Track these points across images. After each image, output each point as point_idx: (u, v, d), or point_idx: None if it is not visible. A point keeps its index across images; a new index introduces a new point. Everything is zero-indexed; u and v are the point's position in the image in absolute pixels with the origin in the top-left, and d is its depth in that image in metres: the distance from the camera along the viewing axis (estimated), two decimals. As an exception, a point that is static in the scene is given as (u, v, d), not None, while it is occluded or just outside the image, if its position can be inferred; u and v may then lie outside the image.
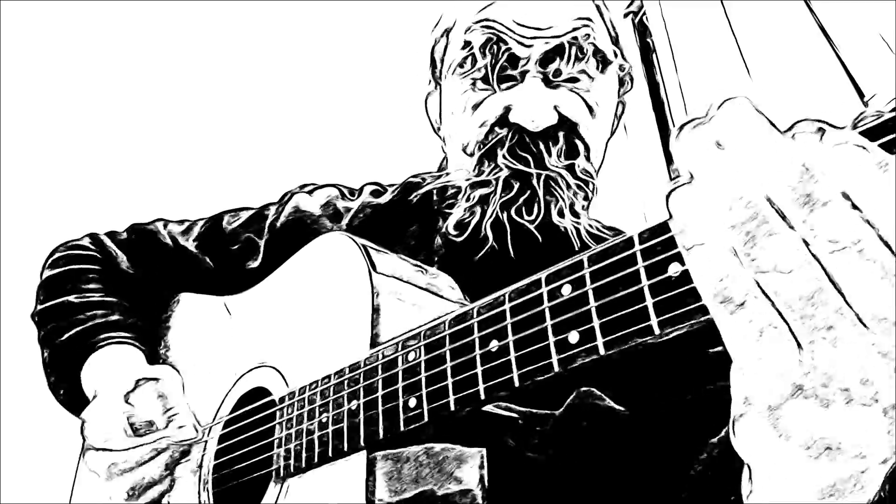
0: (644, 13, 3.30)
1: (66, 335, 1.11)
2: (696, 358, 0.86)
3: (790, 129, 0.41)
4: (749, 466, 0.45)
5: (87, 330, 1.10)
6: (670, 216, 0.43)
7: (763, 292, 0.40)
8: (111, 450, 0.93)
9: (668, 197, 0.43)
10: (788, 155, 0.39)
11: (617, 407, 0.86)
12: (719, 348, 0.71)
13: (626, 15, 3.29)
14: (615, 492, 0.82)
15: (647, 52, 3.28)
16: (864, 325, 0.38)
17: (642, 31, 3.29)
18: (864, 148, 0.38)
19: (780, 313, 0.39)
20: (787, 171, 0.39)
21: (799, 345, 0.39)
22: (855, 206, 0.38)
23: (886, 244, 0.37)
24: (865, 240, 0.37)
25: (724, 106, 0.41)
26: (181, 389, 0.98)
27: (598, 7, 1.06)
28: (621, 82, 1.11)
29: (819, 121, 0.40)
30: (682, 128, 0.42)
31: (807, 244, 0.39)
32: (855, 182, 0.38)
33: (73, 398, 1.10)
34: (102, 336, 1.09)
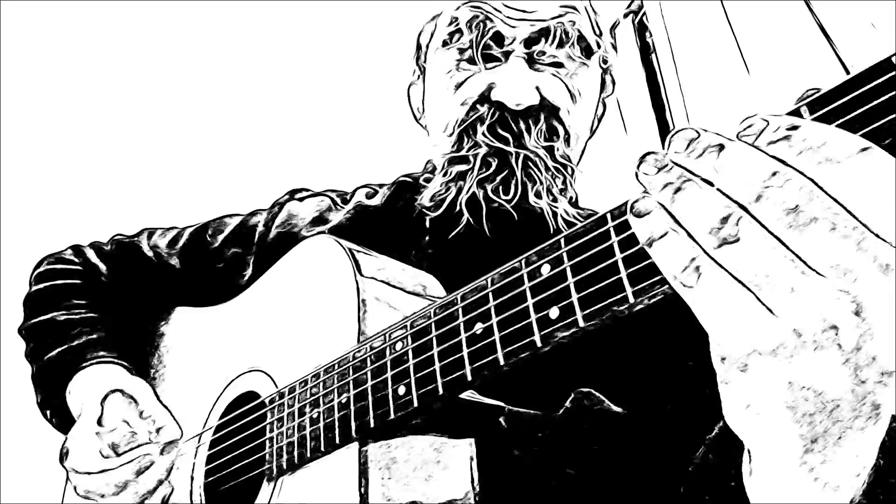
0: (644, 13, 3.30)
1: (51, 354, 1.10)
2: (694, 357, 0.86)
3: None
4: (748, 449, 0.45)
5: (71, 349, 1.10)
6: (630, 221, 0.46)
7: (718, 264, 0.41)
8: (94, 472, 0.93)
9: (630, 209, 0.46)
10: (708, 142, 0.43)
11: (615, 408, 0.86)
12: None
13: (626, 15, 3.29)
14: (617, 493, 0.82)
15: (647, 52, 3.28)
16: (820, 274, 0.39)
17: (642, 30, 3.29)
18: (797, 126, 0.41)
19: (738, 279, 0.41)
20: (713, 156, 0.42)
21: (765, 307, 0.41)
22: (787, 164, 0.40)
23: (832, 197, 0.39)
24: (805, 197, 0.39)
25: (672, 139, 0.45)
26: (150, 393, 0.98)
27: (585, 7, 1.07)
28: (603, 82, 1.12)
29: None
30: (638, 164, 0.46)
31: (748, 212, 0.41)
32: (792, 150, 0.41)
33: (61, 417, 1.10)
34: (87, 356, 1.08)
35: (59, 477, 1.16)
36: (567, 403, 0.86)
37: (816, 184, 0.39)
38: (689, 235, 0.42)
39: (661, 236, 0.44)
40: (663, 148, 0.45)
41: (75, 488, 0.96)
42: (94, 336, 1.12)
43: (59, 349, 1.10)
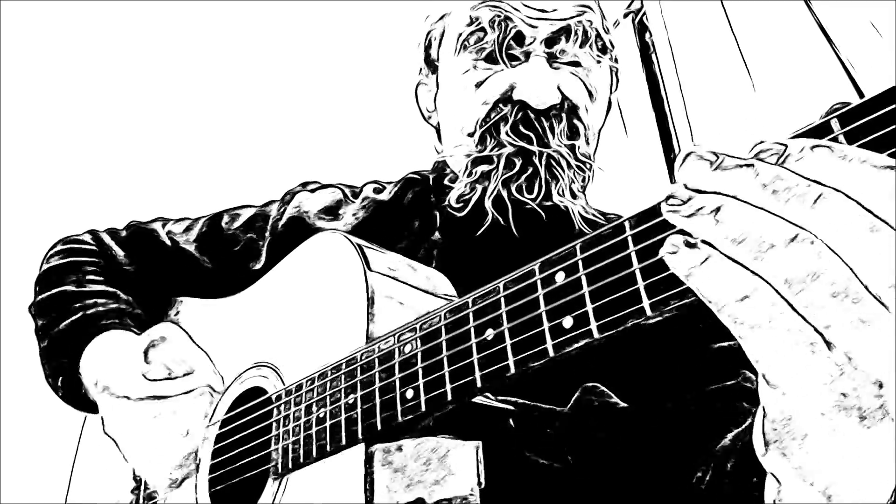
0: (644, 13, 3.30)
1: (65, 323, 1.09)
2: (700, 353, 0.86)
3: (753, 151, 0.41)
4: (776, 478, 0.43)
5: (86, 317, 1.08)
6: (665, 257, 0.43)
7: (788, 303, 0.38)
8: (147, 394, 0.93)
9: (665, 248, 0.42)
10: (753, 170, 0.39)
11: (621, 403, 0.86)
12: (723, 344, 0.70)
13: (626, 15, 3.29)
14: (623, 488, 0.82)
15: (647, 51, 3.28)
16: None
17: (642, 30, 3.29)
18: (829, 148, 0.38)
19: (807, 320, 0.38)
20: (766, 181, 0.39)
21: (830, 347, 0.38)
22: (848, 197, 0.37)
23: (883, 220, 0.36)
24: (875, 228, 0.36)
25: (685, 161, 0.41)
26: (192, 341, 0.99)
27: (598, 6, 1.07)
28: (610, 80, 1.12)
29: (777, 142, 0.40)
30: (661, 205, 0.43)
31: (827, 246, 0.37)
32: (839, 175, 0.37)
33: (72, 387, 1.09)
34: (102, 323, 1.07)
35: (58, 477, 1.16)
36: (574, 398, 0.86)
37: (867, 209, 0.36)
38: (740, 263, 0.38)
39: (703, 261, 0.40)
40: (673, 171, 0.42)
41: (104, 423, 0.96)
42: (110, 306, 1.11)
43: (73, 318, 1.09)
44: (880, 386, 0.37)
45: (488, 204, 1.02)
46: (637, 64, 3.26)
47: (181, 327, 1.02)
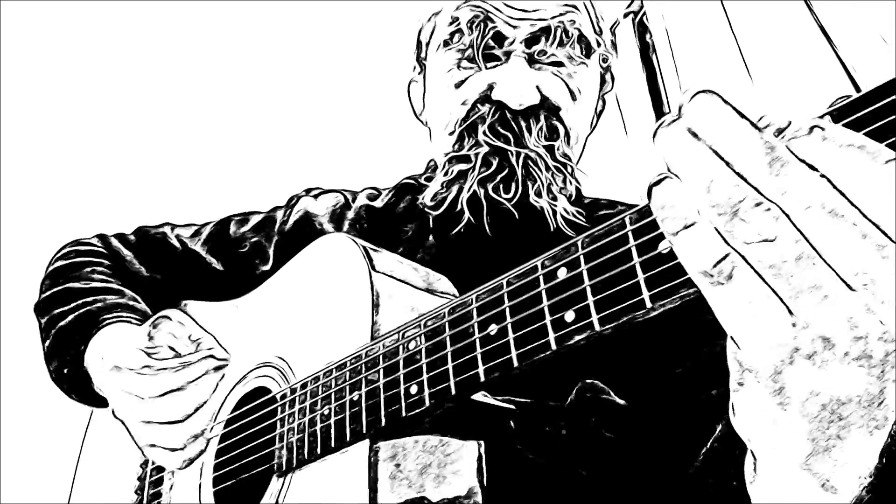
0: (644, 13, 3.30)
1: (69, 318, 1.09)
2: (699, 350, 0.87)
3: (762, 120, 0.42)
4: (752, 451, 0.45)
5: (92, 311, 1.08)
6: (652, 204, 0.43)
7: (749, 264, 0.40)
8: (155, 367, 0.93)
9: (649, 190, 0.43)
10: (756, 136, 0.40)
11: (619, 400, 0.86)
12: (723, 341, 0.69)
13: (626, 15, 3.28)
14: (622, 486, 0.82)
15: (646, 51, 3.27)
16: (849, 285, 0.38)
17: (642, 30, 3.29)
18: (823, 128, 0.39)
19: (767, 283, 0.39)
20: (756, 149, 0.39)
21: (789, 310, 0.39)
22: (823, 176, 0.38)
23: (856, 207, 0.37)
24: (836, 204, 0.38)
25: (694, 98, 0.41)
26: (194, 321, 0.99)
27: (585, 5, 1.07)
28: (602, 78, 1.12)
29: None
30: (657, 128, 0.43)
31: (785, 214, 0.39)
32: (820, 155, 0.39)
33: (76, 381, 1.08)
34: (107, 316, 1.07)
35: (58, 476, 1.16)
36: (572, 395, 0.86)
37: (843, 194, 0.38)
38: (717, 229, 0.40)
39: (689, 226, 0.41)
40: (679, 108, 0.42)
41: (114, 406, 0.96)
42: (115, 301, 1.10)
43: (79, 312, 1.09)
44: (830, 347, 0.39)
45: (463, 203, 1.02)
46: (637, 64, 3.26)
47: (186, 312, 1.02)
